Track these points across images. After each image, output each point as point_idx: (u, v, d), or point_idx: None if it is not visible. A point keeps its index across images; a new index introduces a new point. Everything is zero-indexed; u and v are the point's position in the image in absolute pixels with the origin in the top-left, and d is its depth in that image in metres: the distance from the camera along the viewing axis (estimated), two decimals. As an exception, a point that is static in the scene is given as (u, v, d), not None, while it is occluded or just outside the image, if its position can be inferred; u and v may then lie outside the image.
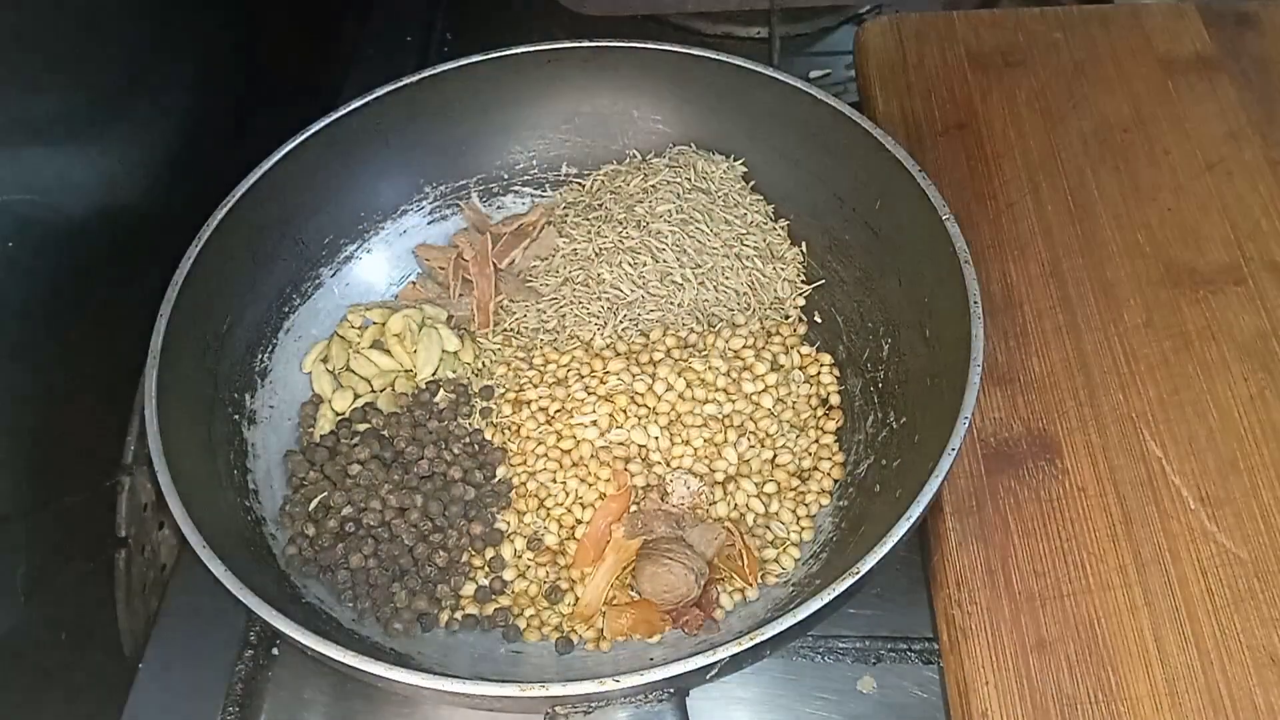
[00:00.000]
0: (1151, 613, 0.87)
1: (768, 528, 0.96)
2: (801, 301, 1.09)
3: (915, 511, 0.78)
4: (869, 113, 1.22)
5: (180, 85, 1.11)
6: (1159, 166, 1.15)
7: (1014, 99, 1.23)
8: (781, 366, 1.03)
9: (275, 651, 0.97)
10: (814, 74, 1.43)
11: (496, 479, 1.00)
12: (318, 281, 1.11)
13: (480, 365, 1.08)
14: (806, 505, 0.97)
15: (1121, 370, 1.01)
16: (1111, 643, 0.86)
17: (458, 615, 0.94)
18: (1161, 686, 0.84)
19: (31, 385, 0.90)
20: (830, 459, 1.00)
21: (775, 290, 1.08)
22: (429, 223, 1.18)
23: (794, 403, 1.02)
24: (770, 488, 0.98)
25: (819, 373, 1.05)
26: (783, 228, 1.12)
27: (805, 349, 1.06)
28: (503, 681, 0.74)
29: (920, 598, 0.96)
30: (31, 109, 0.89)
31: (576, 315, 1.07)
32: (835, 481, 0.99)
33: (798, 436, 1.00)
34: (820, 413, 1.03)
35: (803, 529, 0.96)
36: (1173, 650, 0.85)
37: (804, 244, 1.11)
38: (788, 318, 1.08)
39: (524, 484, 0.99)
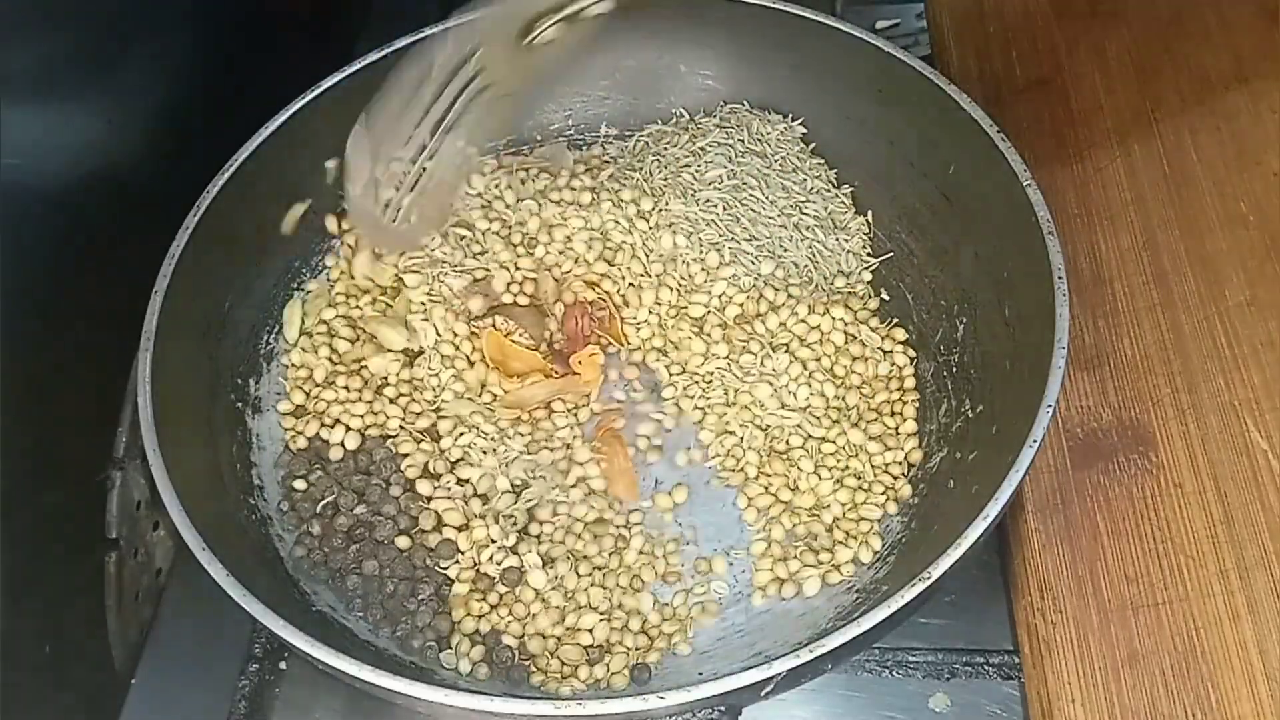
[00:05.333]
0: (1256, 622, 0.85)
1: (829, 526, 0.96)
2: (868, 276, 1.09)
3: (993, 510, 0.78)
4: (942, 67, 1.23)
5: (177, 35, 1.11)
6: (1265, 127, 1.11)
7: (1103, 51, 1.21)
8: (845, 346, 1.03)
9: (283, 665, 0.97)
10: (881, 24, 1.44)
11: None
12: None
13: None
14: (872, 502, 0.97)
15: (1223, 353, 0.98)
16: (1212, 656, 0.84)
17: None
18: (1268, 705, 0.82)
19: (10, 369, 0.89)
20: (900, 450, 0.99)
21: (838, 263, 1.08)
22: (452, 190, 1.18)
23: (859, 386, 1.02)
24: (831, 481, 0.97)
25: (891, 350, 1.04)
26: (846, 195, 1.12)
27: (875, 323, 1.05)
28: (535, 699, 0.75)
29: (999, 606, 0.95)
30: (7, 62, 0.89)
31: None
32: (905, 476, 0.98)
33: (864, 425, 1.00)
34: (895, 396, 1.02)
35: (868, 528, 0.96)
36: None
37: (869, 213, 1.11)
38: (853, 293, 1.08)
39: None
